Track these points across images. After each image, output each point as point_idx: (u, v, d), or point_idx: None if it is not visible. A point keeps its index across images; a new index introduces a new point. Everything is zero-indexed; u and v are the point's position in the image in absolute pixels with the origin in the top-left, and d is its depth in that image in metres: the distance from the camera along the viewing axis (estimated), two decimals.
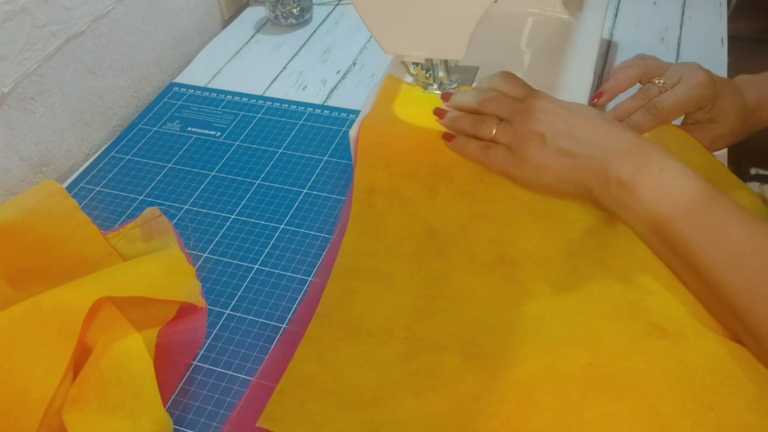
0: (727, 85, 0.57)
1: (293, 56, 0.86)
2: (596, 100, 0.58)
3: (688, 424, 0.37)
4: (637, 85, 0.58)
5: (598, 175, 0.48)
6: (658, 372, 0.40)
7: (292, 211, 0.63)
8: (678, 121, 0.59)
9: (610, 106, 0.59)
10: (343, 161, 0.68)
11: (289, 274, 0.57)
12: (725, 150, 0.64)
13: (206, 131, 0.74)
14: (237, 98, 0.79)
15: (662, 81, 0.56)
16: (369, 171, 0.56)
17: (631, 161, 0.47)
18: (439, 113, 0.58)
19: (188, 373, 0.51)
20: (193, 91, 0.81)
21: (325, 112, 0.76)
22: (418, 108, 0.59)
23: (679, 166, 0.46)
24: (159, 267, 0.52)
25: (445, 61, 0.62)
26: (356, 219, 0.55)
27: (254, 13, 0.94)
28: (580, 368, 0.41)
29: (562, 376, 0.41)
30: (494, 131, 0.54)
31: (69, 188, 0.68)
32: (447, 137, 0.57)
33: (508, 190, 0.54)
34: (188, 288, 0.52)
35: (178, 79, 0.84)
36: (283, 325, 0.53)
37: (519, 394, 0.41)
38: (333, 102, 0.77)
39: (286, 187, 0.66)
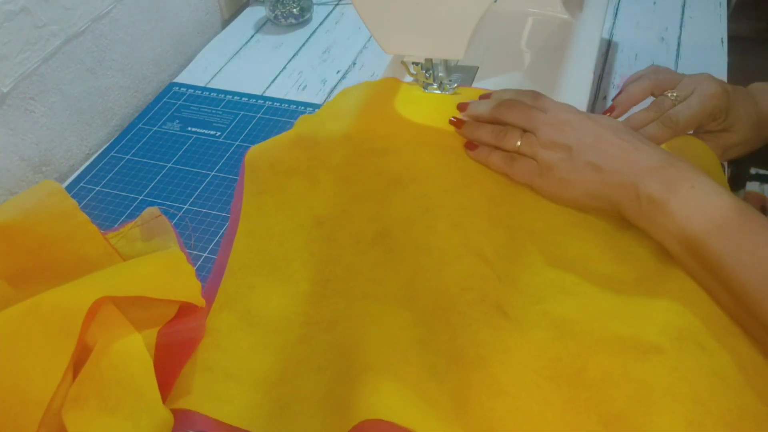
0: (741, 94, 0.56)
1: (293, 56, 0.86)
2: (609, 113, 0.58)
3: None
4: (650, 98, 0.58)
5: (627, 191, 0.48)
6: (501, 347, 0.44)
7: None
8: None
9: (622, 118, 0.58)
10: None
11: None
12: None
13: (206, 131, 0.74)
14: (237, 98, 0.79)
15: (675, 94, 0.55)
16: (256, 174, 0.60)
17: (661, 178, 0.46)
18: (456, 124, 0.58)
19: None
20: (193, 90, 0.81)
21: None
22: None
23: (710, 183, 0.45)
24: (159, 267, 0.52)
25: (445, 61, 0.62)
26: (246, 219, 0.58)
27: (254, 13, 0.94)
28: (446, 341, 0.44)
29: (433, 350, 0.44)
30: (519, 143, 0.53)
31: (69, 188, 0.68)
32: (469, 146, 0.56)
33: (378, 169, 0.55)
34: (188, 288, 0.52)
35: (178, 79, 0.84)
36: None
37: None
38: None
39: None
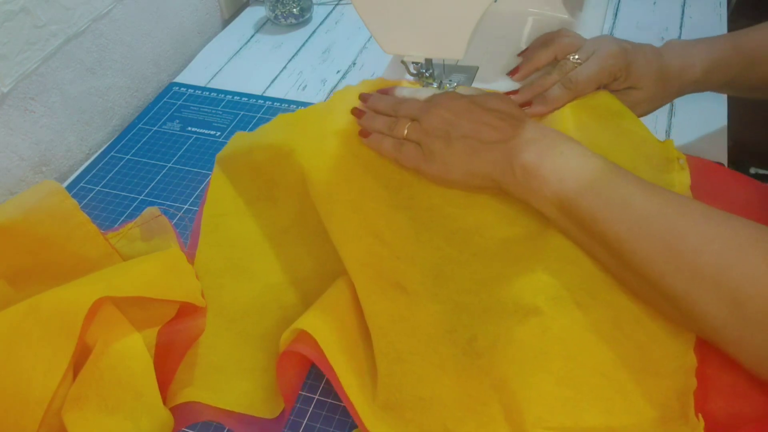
0: (643, 51, 0.58)
1: (293, 56, 0.86)
2: (512, 75, 0.63)
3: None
4: None
5: (502, 166, 0.50)
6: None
7: None
8: None
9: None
10: None
11: None
12: (725, 150, 0.64)
13: (206, 131, 0.74)
14: (237, 98, 0.79)
15: (576, 56, 0.58)
16: (218, 196, 0.63)
17: (533, 148, 0.49)
18: (357, 113, 0.59)
19: None
20: (192, 90, 0.81)
21: None
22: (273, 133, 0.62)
23: (579, 148, 0.48)
24: (159, 266, 0.52)
25: (445, 61, 0.62)
26: (208, 235, 0.60)
27: (254, 13, 0.94)
28: (357, 310, 0.48)
29: (354, 318, 0.48)
30: (405, 131, 0.55)
31: (69, 188, 0.68)
32: (363, 134, 0.58)
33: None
34: (188, 287, 0.52)
35: (178, 79, 0.84)
36: None
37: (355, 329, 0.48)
38: None
39: None
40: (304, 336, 0.45)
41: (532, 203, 0.50)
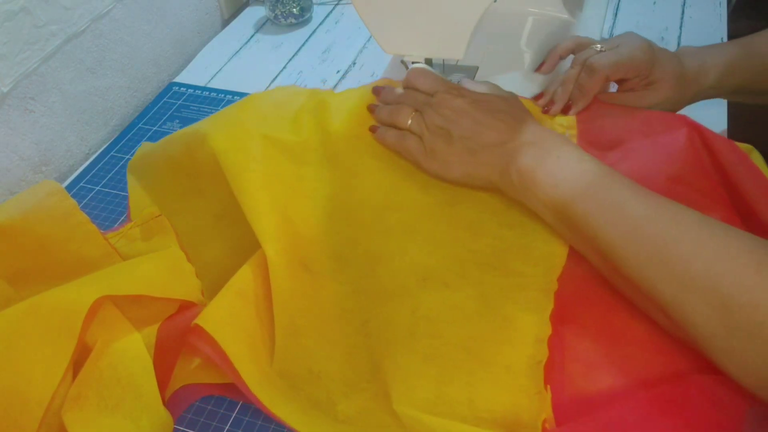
0: (667, 54, 0.58)
1: (293, 56, 0.86)
2: (539, 70, 0.64)
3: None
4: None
5: (499, 168, 0.50)
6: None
7: None
8: (614, 87, 0.61)
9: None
10: None
11: None
12: None
13: None
14: (237, 98, 0.79)
15: (600, 46, 0.58)
16: (142, 204, 0.62)
17: (530, 152, 0.49)
18: (371, 109, 0.59)
19: None
20: (192, 90, 0.81)
21: None
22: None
23: (576, 151, 0.48)
24: (158, 266, 0.52)
25: (445, 61, 0.62)
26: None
27: (254, 13, 0.94)
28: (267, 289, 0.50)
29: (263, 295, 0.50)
30: (409, 121, 0.55)
31: (69, 188, 0.68)
32: (372, 129, 0.58)
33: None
34: (188, 286, 0.52)
35: (178, 79, 0.84)
36: None
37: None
38: None
39: None
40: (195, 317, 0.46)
41: (530, 206, 0.50)
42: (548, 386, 0.43)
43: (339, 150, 0.57)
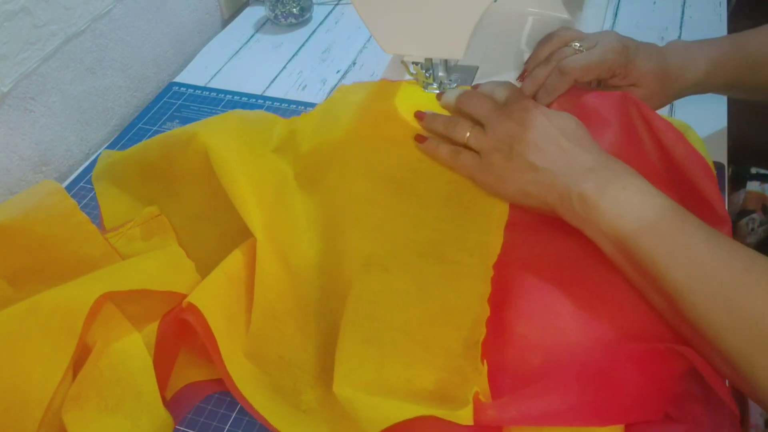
0: (646, 51, 0.58)
1: (293, 56, 0.86)
2: (520, 79, 0.61)
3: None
4: None
5: (559, 191, 0.48)
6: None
7: None
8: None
9: None
10: None
11: None
12: (725, 150, 0.64)
13: None
14: (237, 98, 0.79)
15: (578, 44, 0.58)
16: (113, 212, 0.63)
17: (594, 178, 0.46)
18: (419, 116, 0.58)
19: None
20: (192, 90, 0.81)
21: None
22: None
23: (643, 184, 0.46)
24: (159, 263, 0.52)
25: (445, 61, 0.62)
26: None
27: (254, 13, 0.94)
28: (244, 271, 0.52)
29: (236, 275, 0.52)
30: (468, 135, 0.54)
31: (68, 188, 0.68)
32: (419, 139, 0.57)
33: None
34: (189, 282, 0.52)
35: (178, 79, 0.84)
36: None
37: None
38: None
39: None
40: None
41: (588, 235, 0.47)
42: (485, 361, 0.44)
43: (313, 153, 0.59)
